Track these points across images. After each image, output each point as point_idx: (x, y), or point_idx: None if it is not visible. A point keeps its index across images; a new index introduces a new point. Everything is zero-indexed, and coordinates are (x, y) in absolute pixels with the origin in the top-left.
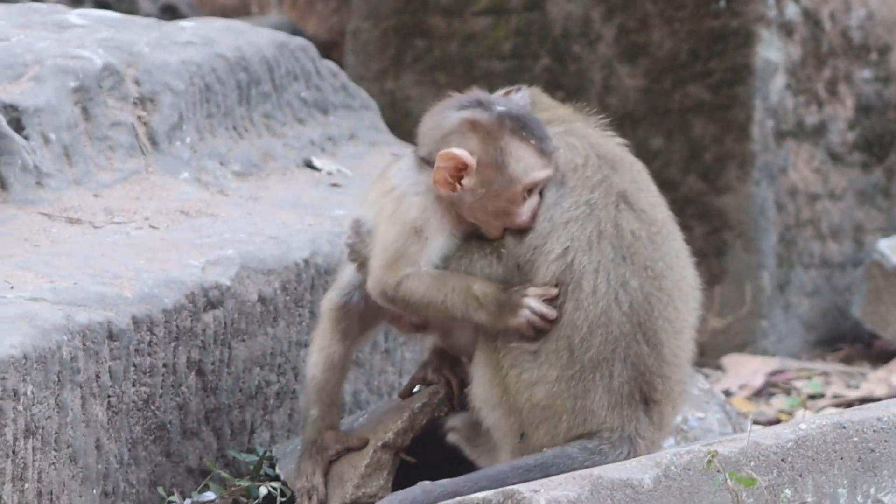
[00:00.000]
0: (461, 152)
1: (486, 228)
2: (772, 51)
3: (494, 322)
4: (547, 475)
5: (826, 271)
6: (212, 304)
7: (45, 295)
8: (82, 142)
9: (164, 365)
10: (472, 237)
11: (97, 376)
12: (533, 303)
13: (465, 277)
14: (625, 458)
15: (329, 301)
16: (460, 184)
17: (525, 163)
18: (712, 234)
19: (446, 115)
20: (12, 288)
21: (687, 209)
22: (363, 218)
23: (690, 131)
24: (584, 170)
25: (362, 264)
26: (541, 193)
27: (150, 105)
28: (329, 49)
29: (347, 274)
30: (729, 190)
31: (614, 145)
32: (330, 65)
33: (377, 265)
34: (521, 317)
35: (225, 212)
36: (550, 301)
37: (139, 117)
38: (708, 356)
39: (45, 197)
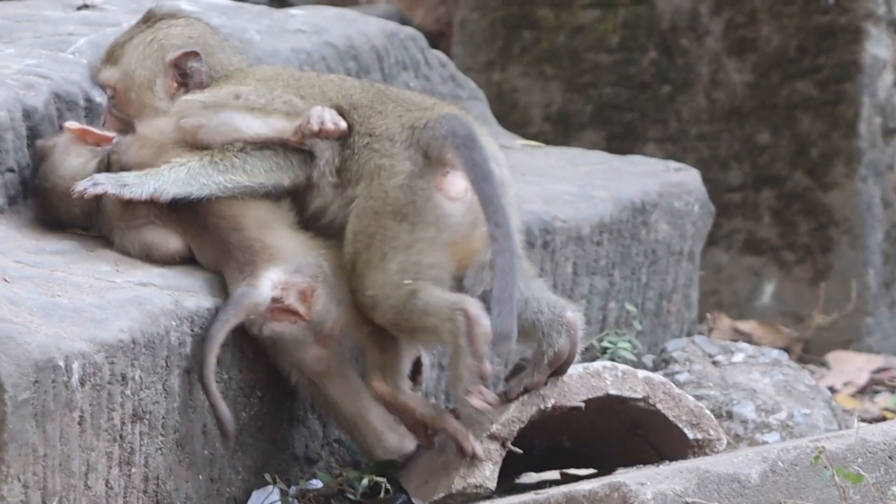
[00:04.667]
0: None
1: None
2: (880, 48)
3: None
4: None
5: None
6: None
7: (153, 280)
8: None
9: None
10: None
11: None
12: (326, 114)
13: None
14: None
15: None
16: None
17: None
18: (818, 231)
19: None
20: (121, 273)
21: (793, 205)
22: None
23: (797, 127)
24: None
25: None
26: None
27: None
28: (436, 40)
29: None
30: (835, 186)
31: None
32: (439, 55)
33: None
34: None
35: None
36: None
37: None
38: (812, 352)
39: None
